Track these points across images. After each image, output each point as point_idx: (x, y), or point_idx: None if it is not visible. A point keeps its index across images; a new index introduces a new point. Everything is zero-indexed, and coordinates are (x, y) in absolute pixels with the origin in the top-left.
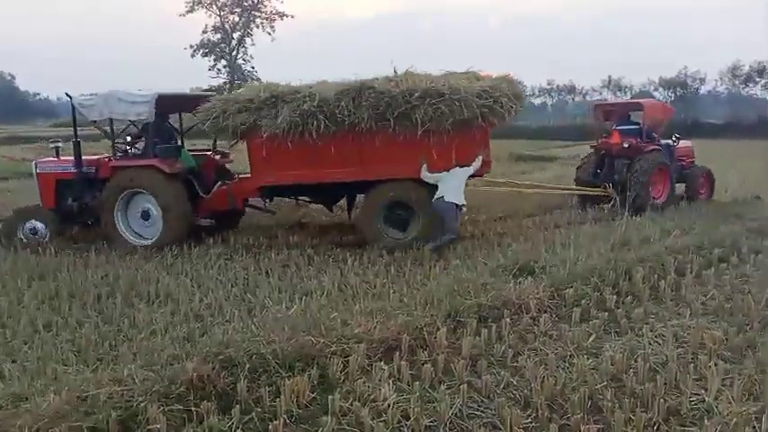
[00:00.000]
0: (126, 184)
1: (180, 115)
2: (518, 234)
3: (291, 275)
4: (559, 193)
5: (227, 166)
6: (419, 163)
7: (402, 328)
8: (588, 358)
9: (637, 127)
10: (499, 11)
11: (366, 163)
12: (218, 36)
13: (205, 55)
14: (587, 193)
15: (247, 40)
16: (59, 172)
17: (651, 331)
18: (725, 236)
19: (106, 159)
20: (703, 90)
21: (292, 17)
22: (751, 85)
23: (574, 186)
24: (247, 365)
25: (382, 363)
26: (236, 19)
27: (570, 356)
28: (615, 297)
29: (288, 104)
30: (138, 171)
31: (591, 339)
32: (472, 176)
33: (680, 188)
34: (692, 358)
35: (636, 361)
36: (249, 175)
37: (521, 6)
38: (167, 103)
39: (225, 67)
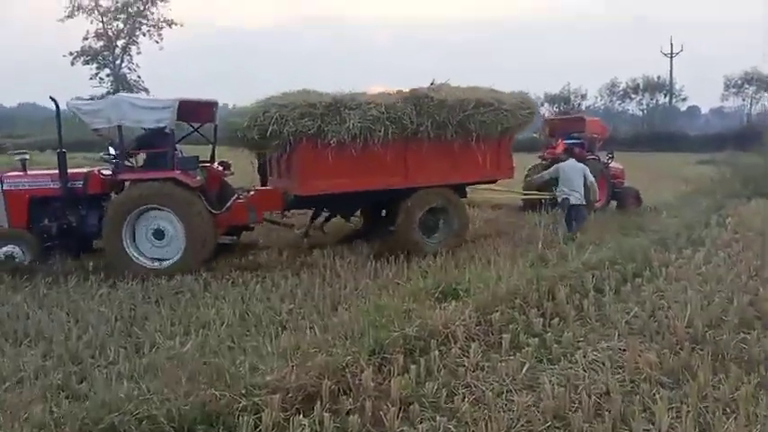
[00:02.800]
0: (139, 199)
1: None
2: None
3: (185, 304)
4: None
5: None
6: (466, 168)
7: (322, 371)
8: (526, 393)
9: (579, 140)
10: (390, 26)
11: (414, 170)
12: (101, 43)
13: (87, 63)
14: (538, 197)
15: (132, 48)
16: (34, 188)
17: (584, 357)
18: (635, 250)
19: (95, 173)
20: (584, 106)
21: (181, 26)
22: (627, 101)
23: (522, 192)
24: None
25: (301, 416)
26: (121, 26)
27: (507, 392)
28: (542, 320)
29: (354, 111)
30: (155, 185)
31: (525, 370)
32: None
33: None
34: (633, 386)
35: (577, 393)
36: (267, 187)
37: (411, 22)
38: (183, 111)
39: (108, 75)
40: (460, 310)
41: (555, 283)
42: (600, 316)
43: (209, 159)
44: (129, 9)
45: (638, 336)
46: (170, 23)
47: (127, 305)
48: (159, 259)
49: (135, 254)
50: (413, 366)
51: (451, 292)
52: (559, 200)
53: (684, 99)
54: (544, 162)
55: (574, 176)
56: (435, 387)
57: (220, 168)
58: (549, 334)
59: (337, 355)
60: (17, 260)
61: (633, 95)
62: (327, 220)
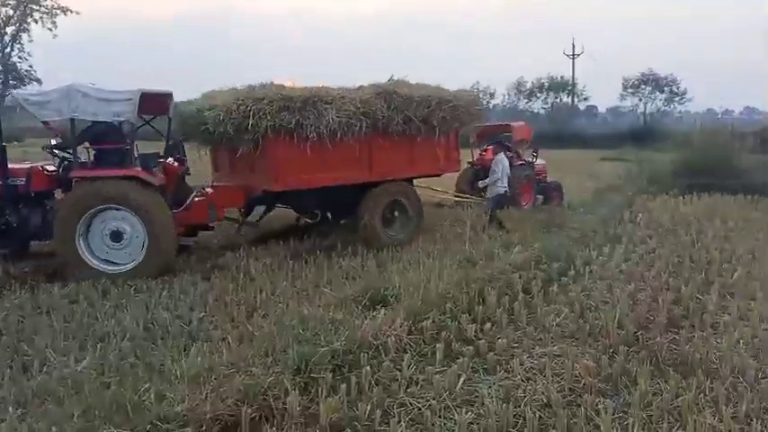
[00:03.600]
0: (96, 198)
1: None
2: (359, 252)
3: (81, 315)
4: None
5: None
6: (424, 161)
7: (240, 396)
8: (466, 410)
9: (507, 144)
10: (300, 19)
11: (379, 164)
12: None
13: None
14: (469, 200)
15: (24, 36)
16: None
17: (521, 365)
18: (557, 248)
19: (39, 168)
20: (492, 104)
21: (77, 13)
22: (533, 99)
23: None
24: None
25: None
26: (11, 12)
27: (446, 409)
28: (474, 326)
29: (329, 105)
30: (114, 183)
31: (462, 382)
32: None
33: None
34: (575, 396)
35: (519, 407)
36: (228, 184)
37: (320, 16)
38: (143, 103)
39: None
40: (391, 319)
41: (484, 286)
42: (531, 319)
43: (162, 154)
44: None
45: (571, 340)
46: (65, 11)
47: (13, 317)
48: (115, 263)
49: (89, 257)
50: (342, 385)
51: (380, 298)
52: (500, 192)
53: (586, 98)
54: (475, 167)
55: (507, 169)
56: (369, 408)
57: (176, 164)
58: (483, 341)
59: (257, 376)
60: None
61: (539, 94)
62: (264, 214)
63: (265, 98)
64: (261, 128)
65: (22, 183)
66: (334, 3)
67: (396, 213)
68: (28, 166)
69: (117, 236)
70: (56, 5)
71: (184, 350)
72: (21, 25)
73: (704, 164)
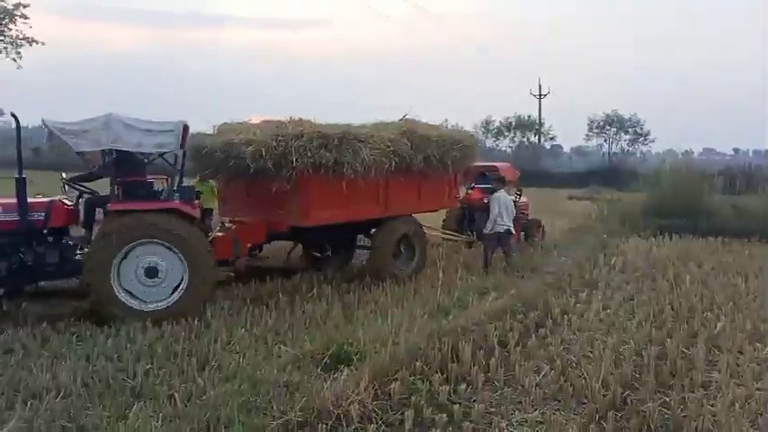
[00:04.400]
0: (135, 232)
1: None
2: (325, 295)
3: (15, 366)
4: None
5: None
6: (431, 198)
7: None
8: None
9: (490, 186)
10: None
11: (392, 200)
12: None
13: None
14: (456, 238)
15: None
16: None
17: None
18: (533, 295)
19: (59, 203)
20: None
21: (43, 44)
22: (501, 138)
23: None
24: None
25: None
26: None
27: None
28: (447, 387)
29: (362, 143)
30: (154, 216)
31: None
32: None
33: None
34: None
35: None
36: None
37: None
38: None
39: None
40: (354, 382)
41: (458, 339)
42: (509, 378)
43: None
44: None
45: (553, 402)
46: (30, 41)
47: None
48: (150, 301)
49: (124, 295)
50: None
51: (343, 355)
52: (500, 230)
53: (553, 138)
54: (462, 206)
55: (509, 206)
56: None
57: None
58: (457, 406)
59: None
60: None
61: (507, 133)
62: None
63: (304, 135)
64: (299, 164)
65: (41, 218)
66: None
67: (402, 248)
68: (47, 200)
69: (152, 272)
70: (20, 36)
71: (125, 409)
72: None
73: (675, 204)
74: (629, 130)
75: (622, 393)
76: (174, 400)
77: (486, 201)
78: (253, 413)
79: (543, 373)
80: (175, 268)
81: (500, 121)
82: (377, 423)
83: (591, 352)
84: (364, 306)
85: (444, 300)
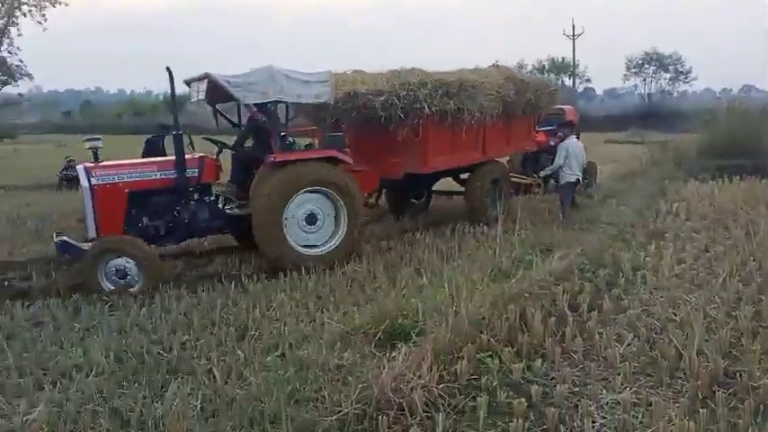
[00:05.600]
0: (302, 181)
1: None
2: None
3: (45, 342)
4: None
5: None
6: (517, 141)
7: None
8: None
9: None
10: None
11: (489, 145)
12: None
13: None
14: (525, 180)
15: (12, 30)
16: (135, 180)
17: (592, 424)
18: (597, 250)
19: (210, 159)
20: None
21: (66, 5)
22: None
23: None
24: None
25: None
26: None
27: None
28: (520, 364)
29: (476, 90)
30: (317, 164)
31: None
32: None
33: None
34: None
35: None
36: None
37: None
38: None
39: None
40: (416, 363)
41: (525, 305)
42: (588, 350)
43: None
44: None
45: (644, 379)
46: (54, 3)
47: None
48: (312, 246)
49: (292, 241)
50: None
51: (398, 329)
52: (569, 180)
53: (588, 80)
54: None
55: (580, 154)
56: None
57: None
58: (535, 387)
59: None
60: (129, 279)
61: (540, 76)
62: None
63: (428, 83)
64: (424, 112)
65: (195, 174)
66: None
67: (492, 191)
68: (198, 155)
69: (312, 218)
70: None
71: (162, 388)
72: (9, 19)
73: (734, 145)
74: (670, 68)
75: (728, 367)
76: (213, 376)
77: (552, 143)
78: (300, 404)
79: (627, 343)
80: (330, 214)
81: (533, 65)
82: (445, 411)
83: (675, 315)
84: (406, 265)
85: (502, 259)
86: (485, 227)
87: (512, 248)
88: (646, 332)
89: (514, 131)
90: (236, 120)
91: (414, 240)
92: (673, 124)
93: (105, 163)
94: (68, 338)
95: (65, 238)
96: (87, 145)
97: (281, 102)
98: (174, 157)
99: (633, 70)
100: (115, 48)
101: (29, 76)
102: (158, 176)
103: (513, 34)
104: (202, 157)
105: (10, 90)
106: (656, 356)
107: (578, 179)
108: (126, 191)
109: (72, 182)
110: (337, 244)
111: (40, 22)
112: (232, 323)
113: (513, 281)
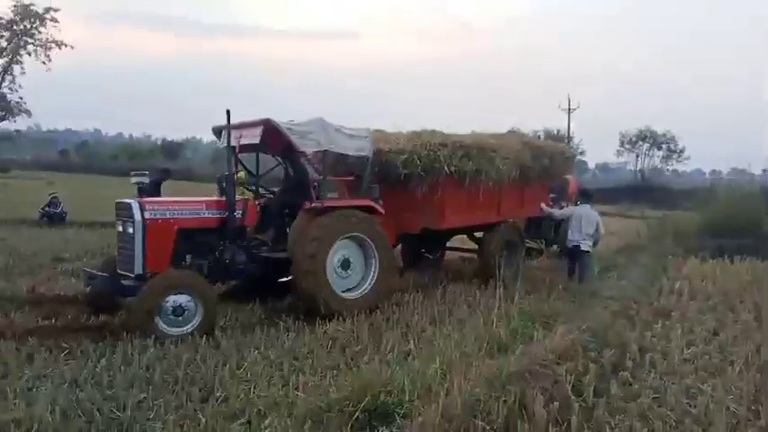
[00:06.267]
0: (344, 227)
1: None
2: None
3: None
4: None
5: None
6: (530, 204)
7: None
8: None
9: (555, 195)
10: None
11: (504, 206)
12: None
13: None
14: (529, 245)
15: (16, 68)
16: (183, 218)
17: None
18: (602, 327)
19: (252, 202)
20: None
21: (72, 47)
22: None
23: None
24: None
25: None
26: (4, 44)
27: None
28: None
29: (494, 153)
30: (356, 212)
31: None
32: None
33: None
34: None
35: None
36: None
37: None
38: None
39: None
40: None
41: (525, 387)
42: None
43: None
44: (15, 27)
45: None
46: (59, 44)
47: None
48: (344, 291)
49: (333, 285)
50: None
51: (380, 408)
52: (569, 246)
53: (582, 152)
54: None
55: (590, 223)
56: None
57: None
58: None
59: None
60: (188, 314)
61: None
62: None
63: (448, 144)
64: (443, 171)
65: (239, 215)
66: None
67: (504, 252)
68: (242, 198)
69: (346, 264)
70: (50, 38)
71: None
72: (13, 57)
73: (734, 224)
74: (663, 146)
75: None
76: None
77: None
78: None
79: None
80: (360, 260)
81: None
82: None
83: (691, 405)
84: (390, 328)
85: (499, 330)
86: (476, 291)
87: (510, 319)
88: (661, 425)
89: (529, 195)
90: (253, 169)
91: (402, 301)
92: (665, 201)
93: (157, 199)
94: (14, 389)
95: (104, 274)
96: (133, 180)
97: (329, 152)
98: (223, 198)
99: (627, 146)
100: (119, 88)
101: (27, 112)
102: (206, 215)
103: (507, 103)
104: (246, 200)
105: (8, 126)
106: None
107: (589, 251)
108: (176, 227)
109: (53, 218)
110: (369, 288)
111: (44, 62)
112: (197, 382)
113: (513, 357)
